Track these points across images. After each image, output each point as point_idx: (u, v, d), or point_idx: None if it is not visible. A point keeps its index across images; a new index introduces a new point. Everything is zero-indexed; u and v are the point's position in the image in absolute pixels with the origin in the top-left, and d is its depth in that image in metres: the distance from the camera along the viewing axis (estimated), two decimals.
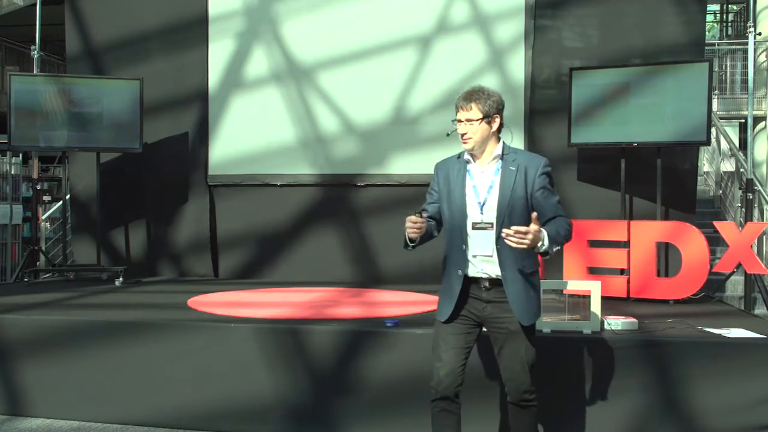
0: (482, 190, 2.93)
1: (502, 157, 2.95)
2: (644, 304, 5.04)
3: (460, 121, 2.93)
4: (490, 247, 2.89)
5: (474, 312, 2.95)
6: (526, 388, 2.96)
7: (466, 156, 2.99)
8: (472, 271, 2.93)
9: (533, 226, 2.69)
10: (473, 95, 2.92)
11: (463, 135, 2.92)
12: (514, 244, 2.69)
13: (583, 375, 3.73)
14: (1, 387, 4.28)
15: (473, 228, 2.91)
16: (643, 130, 5.54)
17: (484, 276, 2.92)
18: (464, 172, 2.98)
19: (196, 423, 4.01)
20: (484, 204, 2.91)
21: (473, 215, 2.92)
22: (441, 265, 3.06)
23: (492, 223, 2.88)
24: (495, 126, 2.93)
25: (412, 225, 2.82)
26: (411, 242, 2.90)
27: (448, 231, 3.00)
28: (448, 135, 3.04)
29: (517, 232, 2.67)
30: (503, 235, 2.70)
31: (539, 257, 2.89)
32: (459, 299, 2.94)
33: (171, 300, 5.09)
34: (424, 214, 2.95)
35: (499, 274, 2.89)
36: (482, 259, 2.91)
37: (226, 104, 6.73)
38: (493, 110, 2.91)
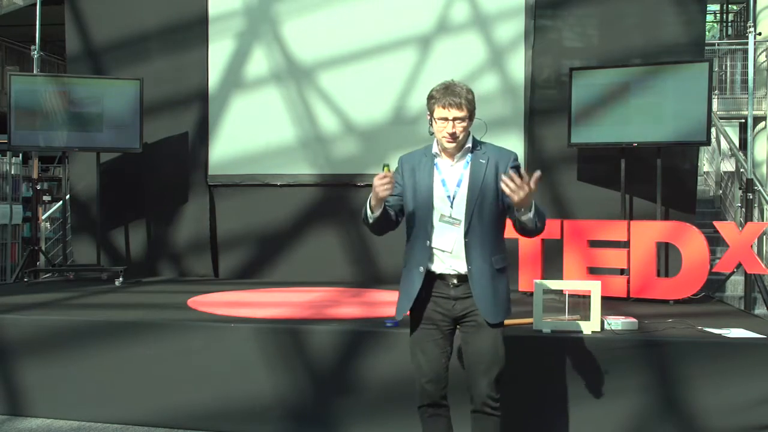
0: (451, 184, 2.82)
1: (471, 150, 2.85)
2: (644, 304, 5.03)
3: (445, 119, 2.76)
4: (454, 243, 2.78)
5: (444, 312, 2.83)
6: (489, 392, 2.77)
7: (435, 149, 2.88)
8: (439, 268, 2.82)
9: (532, 182, 2.56)
10: (458, 91, 2.76)
11: (452, 135, 2.78)
12: (508, 190, 2.58)
13: (583, 375, 3.72)
14: (1, 387, 4.28)
15: (440, 220, 2.79)
16: (643, 130, 5.54)
17: (452, 272, 2.80)
18: (431, 165, 2.86)
19: (196, 423, 4.01)
20: (453, 198, 2.80)
21: (441, 208, 2.81)
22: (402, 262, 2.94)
23: (460, 220, 2.78)
24: (471, 123, 2.85)
25: (381, 182, 2.65)
26: (373, 210, 2.76)
27: (410, 226, 2.88)
28: (431, 134, 2.89)
29: (519, 180, 2.56)
30: (502, 179, 2.60)
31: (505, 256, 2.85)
32: (424, 299, 2.82)
33: (171, 300, 5.09)
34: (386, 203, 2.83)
35: (464, 269, 2.78)
36: (447, 255, 2.79)
37: (226, 104, 6.73)
38: (473, 107, 2.82)
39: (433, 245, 2.81)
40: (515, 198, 2.59)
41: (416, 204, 2.84)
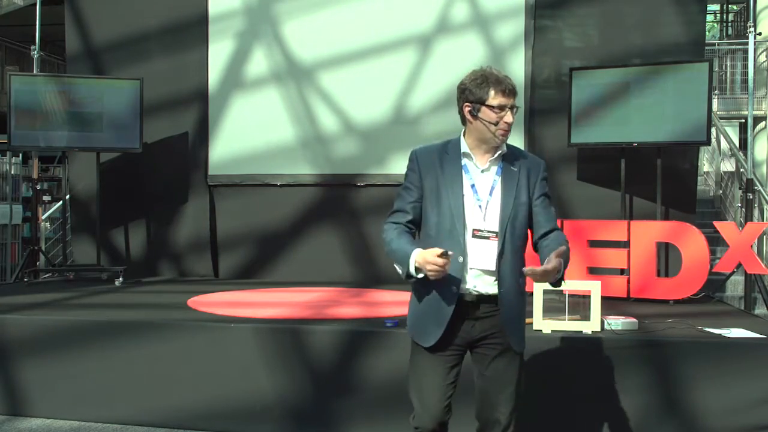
0: (483, 192, 2.45)
1: (503, 156, 2.50)
2: (644, 304, 5.03)
3: (503, 107, 2.40)
4: (492, 260, 2.42)
5: (462, 335, 2.47)
6: (505, 425, 2.47)
7: (465, 147, 2.50)
8: (468, 287, 2.45)
9: (554, 261, 2.29)
10: (508, 78, 2.44)
11: (509, 125, 2.42)
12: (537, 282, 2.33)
13: (583, 375, 3.72)
14: (1, 387, 4.27)
15: (473, 236, 2.42)
16: (643, 130, 5.54)
17: (474, 292, 2.45)
18: (459, 167, 2.47)
19: (196, 423, 4.00)
20: (486, 208, 2.44)
21: (473, 221, 2.43)
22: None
23: (496, 232, 2.41)
24: None
25: (439, 268, 2.28)
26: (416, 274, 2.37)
27: (431, 237, 2.46)
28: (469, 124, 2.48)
29: (542, 274, 2.29)
30: (525, 272, 2.30)
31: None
32: (452, 321, 2.43)
33: (171, 300, 5.09)
34: (402, 218, 2.50)
35: (493, 291, 2.44)
36: (478, 273, 2.44)
37: (226, 104, 6.73)
38: None
39: (468, 263, 2.43)
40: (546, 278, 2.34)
41: (441, 212, 2.45)
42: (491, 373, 2.49)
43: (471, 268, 2.44)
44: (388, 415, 3.79)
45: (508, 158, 2.50)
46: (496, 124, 2.41)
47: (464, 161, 2.50)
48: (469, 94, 2.44)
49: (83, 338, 4.20)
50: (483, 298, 2.46)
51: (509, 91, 2.41)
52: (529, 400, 3.70)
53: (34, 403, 4.22)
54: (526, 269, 2.32)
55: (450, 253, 2.30)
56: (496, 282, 2.44)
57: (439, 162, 2.50)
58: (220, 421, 3.98)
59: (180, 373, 4.05)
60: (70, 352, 4.19)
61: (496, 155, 2.49)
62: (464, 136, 2.53)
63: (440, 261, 2.27)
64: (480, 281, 2.45)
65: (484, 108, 2.42)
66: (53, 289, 5.66)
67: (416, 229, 2.55)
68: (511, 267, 2.45)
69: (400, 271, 2.43)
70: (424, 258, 2.31)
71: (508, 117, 2.42)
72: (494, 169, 2.49)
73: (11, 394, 4.25)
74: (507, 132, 2.44)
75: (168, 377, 4.07)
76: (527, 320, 3.94)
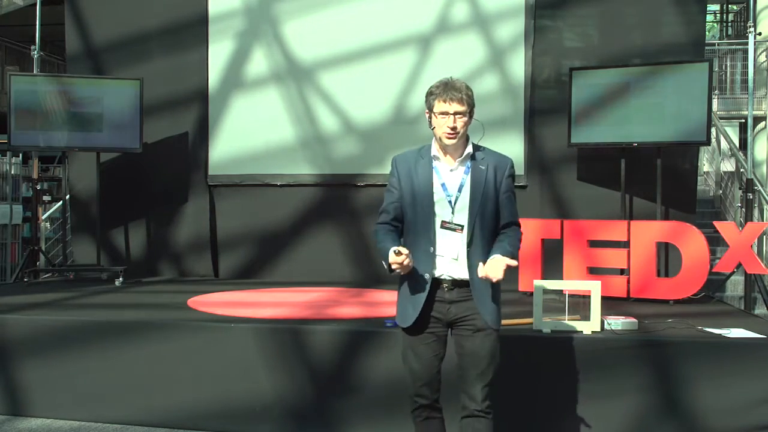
0: (452, 189, 2.78)
1: (471, 156, 2.80)
2: (644, 304, 5.03)
3: (446, 113, 2.71)
4: (458, 249, 2.76)
5: (439, 315, 2.80)
6: (481, 397, 2.73)
7: (434, 152, 2.82)
8: (438, 273, 2.79)
9: (503, 261, 2.64)
10: (459, 86, 2.73)
11: (453, 130, 2.71)
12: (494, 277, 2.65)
13: (583, 375, 3.72)
14: (1, 387, 4.28)
15: (441, 227, 2.76)
16: (643, 130, 5.54)
17: (447, 278, 2.78)
18: (430, 168, 2.80)
19: (196, 423, 4.01)
20: (455, 203, 2.76)
21: (443, 215, 2.77)
22: None
23: (462, 226, 2.75)
24: (471, 121, 2.80)
25: (398, 264, 2.66)
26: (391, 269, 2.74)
27: (410, 232, 2.83)
28: (433, 128, 2.80)
29: (487, 278, 2.66)
30: (480, 275, 2.67)
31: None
32: (425, 303, 2.78)
33: (171, 300, 5.09)
34: (386, 218, 2.87)
35: (465, 276, 2.76)
36: (448, 261, 2.77)
37: (226, 104, 6.73)
38: (473, 104, 2.77)
39: (437, 252, 2.77)
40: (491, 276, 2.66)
41: (415, 209, 2.80)
42: (467, 350, 2.78)
43: (441, 256, 2.78)
44: (388, 415, 3.79)
45: (477, 158, 2.82)
46: (440, 128, 2.74)
47: (434, 163, 2.82)
48: (426, 104, 2.81)
49: (83, 338, 4.20)
50: (456, 283, 2.79)
51: (450, 99, 2.72)
52: (529, 399, 3.73)
53: (34, 403, 4.22)
54: (480, 274, 2.68)
55: (399, 249, 2.66)
56: (467, 269, 2.76)
57: (414, 165, 2.84)
58: (220, 421, 3.99)
59: (180, 373, 4.06)
60: (70, 352, 4.19)
61: (463, 156, 2.80)
62: (434, 141, 2.86)
63: (397, 259, 2.65)
64: (452, 267, 2.78)
65: (432, 115, 2.78)
66: (53, 289, 5.66)
67: (401, 226, 2.89)
68: (481, 255, 2.76)
69: (385, 266, 2.77)
70: (390, 257, 2.68)
71: (450, 122, 2.72)
72: (462, 168, 2.81)
73: (11, 394, 4.25)
74: (451, 135, 2.73)
75: (168, 377, 4.07)
76: (527, 320, 3.97)
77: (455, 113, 2.71)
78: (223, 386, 4.00)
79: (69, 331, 4.24)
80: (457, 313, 2.78)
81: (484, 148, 2.87)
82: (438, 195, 2.78)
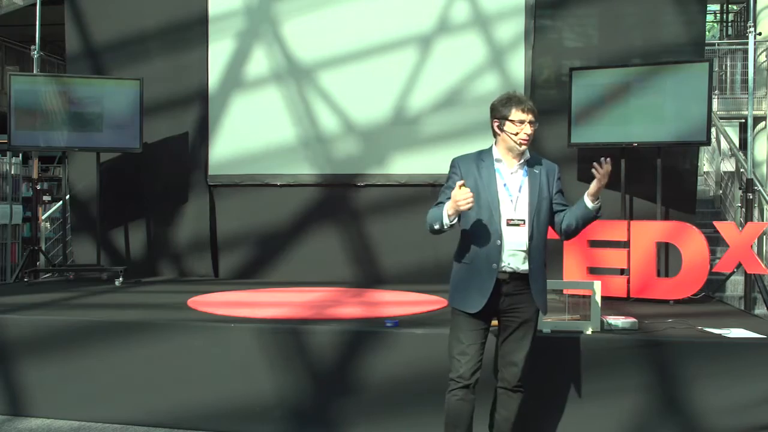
0: (513, 189, 3.08)
1: (527, 161, 3.12)
2: (644, 304, 5.03)
3: (522, 121, 3.03)
4: (524, 242, 3.03)
5: (493, 306, 3.05)
6: (523, 375, 3.14)
7: (497, 155, 3.12)
8: (504, 265, 3.04)
9: (607, 167, 3.04)
10: (528, 99, 3.10)
11: (528, 136, 3.05)
12: (598, 176, 3.04)
13: (583, 375, 3.72)
14: (1, 387, 4.28)
15: (507, 224, 3.03)
16: (643, 130, 5.54)
17: (509, 270, 3.04)
18: (493, 170, 3.10)
19: (196, 423, 4.01)
20: (516, 202, 3.06)
21: (506, 212, 3.04)
22: (454, 259, 3.17)
23: (524, 220, 3.04)
24: None
25: (465, 197, 2.88)
26: (451, 220, 2.97)
27: (474, 227, 3.07)
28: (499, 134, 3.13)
29: (606, 170, 3.05)
30: (602, 161, 3.06)
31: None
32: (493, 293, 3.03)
33: (171, 300, 5.09)
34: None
35: (524, 268, 3.04)
36: (512, 253, 3.03)
37: (226, 104, 6.73)
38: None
39: (504, 245, 3.02)
40: (602, 183, 3.08)
41: (481, 207, 3.04)
42: (513, 339, 3.12)
43: (507, 249, 3.03)
44: (388, 415, 3.79)
45: (531, 163, 3.14)
46: (517, 134, 3.05)
47: (497, 166, 3.12)
48: (497, 112, 3.10)
49: (83, 338, 4.20)
50: (514, 276, 3.05)
51: (528, 109, 3.05)
52: (529, 399, 3.72)
53: (34, 403, 4.22)
54: (602, 160, 3.09)
55: (462, 181, 2.91)
56: (526, 260, 3.04)
57: (476, 167, 3.13)
58: (220, 421, 3.99)
59: (180, 373, 4.06)
60: (70, 352, 4.19)
61: (522, 160, 3.12)
62: (495, 146, 3.16)
63: (462, 191, 2.89)
64: (513, 259, 3.05)
65: (507, 122, 3.06)
66: (53, 289, 5.66)
67: None
68: (537, 248, 3.06)
69: (437, 227, 3.02)
70: (452, 200, 2.92)
71: (527, 129, 3.05)
72: (521, 171, 3.13)
73: (11, 394, 4.25)
74: (526, 141, 3.06)
75: (168, 377, 4.07)
76: None
77: (530, 122, 3.04)
78: (223, 386, 4.00)
79: (69, 331, 4.24)
80: (510, 303, 3.07)
81: (534, 153, 3.19)
82: (502, 194, 3.07)
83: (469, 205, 2.90)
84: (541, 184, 3.11)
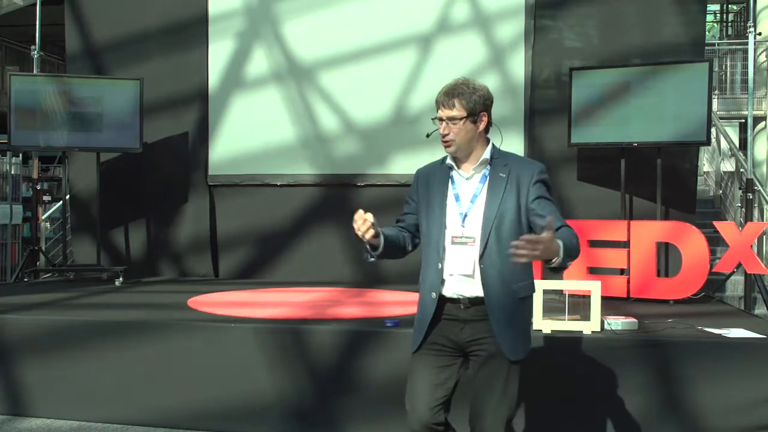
0: (465, 200, 2.52)
1: (490, 162, 2.54)
2: (644, 304, 5.03)
3: (440, 119, 2.50)
4: (470, 266, 2.47)
5: (451, 337, 2.50)
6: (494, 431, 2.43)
7: (449, 161, 2.58)
8: (448, 292, 2.51)
9: (546, 234, 2.23)
10: (456, 89, 2.50)
11: (444, 137, 2.50)
12: (523, 258, 2.23)
13: (583, 375, 3.72)
14: (1, 387, 4.27)
15: (452, 243, 2.49)
16: (643, 130, 5.54)
17: (463, 296, 2.49)
18: (447, 179, 2.57)
19: (196, 423, 4.00)
20: (466, 216, 2.50)
21: (453, 228, 2.50)
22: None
23: (473, 238, 2.47)
24: (482, 126, 2.53)
25: (357, 225, 2.38)
26: (372, 249, 2.48)
27: (425, 247, 2.59)
28: (427, 136, 2.61)
29: (528, 241, 2.20)
30: (513, 246, 2.21)
31: (533, 280, 2.58)
32: (433, 323, 2.51)
33: (171, 300, 5.09)
34: (400, 225, 2.66)
35: (480, 293, 2.46)
36: (460, 279, 2.49)
37: (226, 104, 6.73)
38: (480, 107, 2.51)
39: (446, 269, 2.50)
40: (533, 258, 2.27)
41: (428, 223, 2.56)
42: (478, 380, 2.49)
43: (450, 274, 2.50)
44: (388, 415, 3.79)
45: (497, 165, 2.55)
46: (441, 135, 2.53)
47: (452, 173, 2.59)
48: None
49: (83, 338, 4.20)
50: (474, 301, 2.49)
51: (441, 103, 2.52)
52: (529, 400, 3.73)
53: (34, 403, 4.22)
54: (513, 242, 2.23)
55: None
56: (479, 286, 2.47)
57: (433, 177, 2.62)
58: (220, 421, 3.98)
59: (180, 373, 4.05)
60: (70, 352, 4.19)
61: (478, 163, 2.55)
62: None
63: (358, 215, 2.39)
64: (464, 286, 2.49)
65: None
66: (53, 289, 5.66)
67: (412, 233, 2.67)
68: (499, 274, 2.46)
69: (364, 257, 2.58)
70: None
71: (441, 129, 2.52)
72: (478, 177, 2.56)
73: (11, 394, 4.25)
74: (445, 142, 2.52)
75: (168, 377, 4.07)
76: None
77: (448, 119, 2.50)
78: (223, 386, 4.00)
79: (69, 331, 4.24)
80: (472, 334, 2.49)
81: (510, 153, 2.61)
82: (450, 207, 2.53)
83: (362, 233, 2.38)
84: (506, 191, 2.48)
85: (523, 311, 2.54)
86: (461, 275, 2.49)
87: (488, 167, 2.55)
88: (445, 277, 2.51)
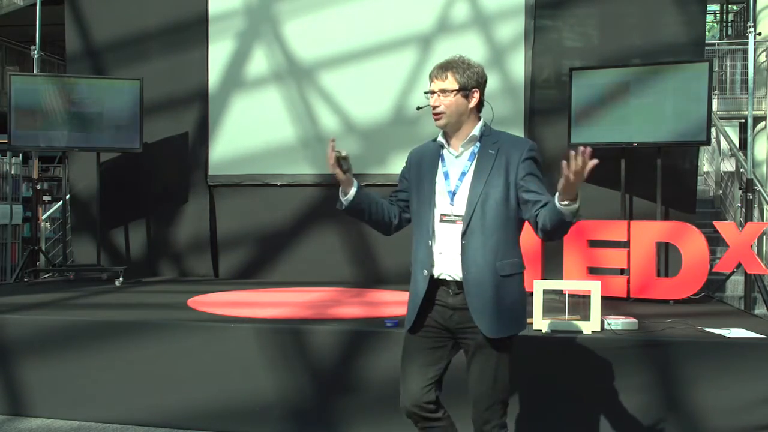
0: (454, 178, 2.53)
1: (480, 139, 2.54)
2: (644, 304, 5.03)
3: (432, 92, 2.52)
4: (459, 244, 2.47)
5: (440, 321, 2.53)
6: (490, 417, 2.49)
7: (440, 138, 2.59)
8: (438, 271, 2.52)
9: (583, 159, 2.26)
10: (451, 63, 2.54)
11: (434, 108, 2.50)
12: (566, 170, 2.24)
13: (583, 375, 3.72)
14: (1, 387, 4.27)
15: (441, 221, 2.50)
16: (643, 130, 5.54)
17: (449, 278, 2.50)
18: (437, 157, 2.58)
19: (196, 423, 4.00)
20: (455, 194, 2.51)
21: (442, 206, 2.51)
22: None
23: (461, 216, 2.47)
24: (473, 102, 2.53)
25: (329, 155, 2.49)
26: (343, 195, 2.58)
27: (415, 225, 2.61)
28: (418, 109, 2.65)
29: (582, 153, 2.24)
30: (579, 150, 2.23)
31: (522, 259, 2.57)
32: (425, 305, 2.53)
33: (171, 300, 5.09)
34: (391, 199, 2.73)
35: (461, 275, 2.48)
36: (449, 258, 2.49)
37: (226, 104, 6.73)
38: (473, 82, 2.52)
39: (435, 247, 2.51)
40: (572, 180, 2.26)
41: (419, 200, 2.58)
42: (470, 369, 2.54)
43: (440, 253, 2.52)
44: (388, 415, 3.78)
45: (487, 142, 2.55)
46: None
47: (442, 151, 2.60)
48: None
49: (83, 338, 4.20)
50: (461, 286, 2.49)
51: (433, 75, 2.54)
52: (529, 399, 3.73)
53: (34, 403, 4.22)
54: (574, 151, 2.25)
55: (331, 139, 2.55)
56: (461, 266, 2.48)
57: (425, 156, 2.63)
58: (220, 421, 3.98)
59: (180, 373, 4.05)
60: (70, 352, 4.19)
61: (467, 139, 2.55)
62: None
63: (329, 151, 2.50)
64: (450, 265, 2.50)
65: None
66: (53, 289, 5.66)
67: (400, 208, 2.73)
68: (482, 252, 2.46)
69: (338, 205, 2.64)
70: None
71: (432, 100, 2.53)
72: (467, 154, 2.56)
73: (11, 394, 4.25)
74: (435, 115, 2.53)
75: (168, 377, 4.07)
76: (527, 320, 3.97)
77: (440, 91, 2.51)
78: (223, 386, 4.00)
79: (69, 331, 4.24)
80: (460, 321, 2.50)
81: (502, 132, 2.60)
82: (439, 184, 2.54)
83: (331, 166, 2.51)
84: (494, 167, 2.47)
85: (509, 289, 2.50)
86: (452, 254, 2.50)
87: (477, 144, 2.55)
88: (435, 255, 2.52)
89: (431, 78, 2.55)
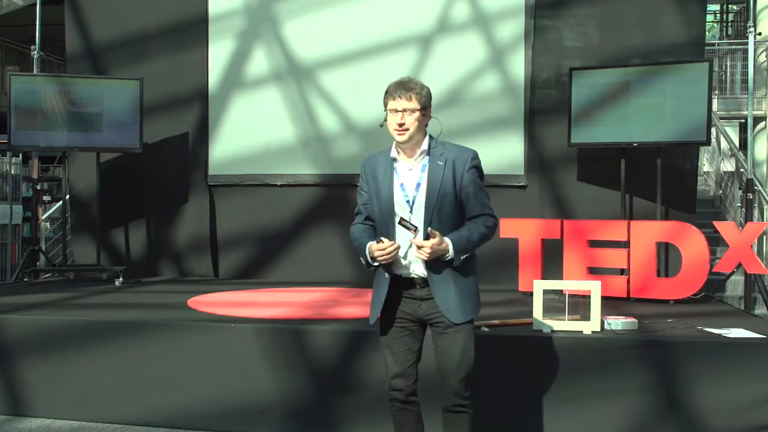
0: (410, 189, 2.82)
1: (428, 152, 2.84)
2: (644, 304, 5.03)
3: (395, 110, 2.80)
4: (413, 249, 2.77)
5: (410, 312, 2.87)
6: (457, 390, 2.81)
7: (393, 153, 2.88)
8: (403, 272, 2.84)
9: (432, 240, 2.67)
10: (409, 84, 2.82)
11: (400, 126, 2.78)
12: (424, 256, 2.69)
13: (583, 375, 3.72)
14: (1, 387, 4.28)
15: (399, 224, 2.79)
16: (643, 130, 5.54)
17: (415, 276, 2.83)
18: (391, 170, 2.86)
19: (196, 423, 4.01)
20: (413, 203, 2.80)
21: (401, 214, 2.81)
22: None
23: (417, 227, 2.77)
24: (427, 119, 2.85)
25: (382, 255, 2.74)
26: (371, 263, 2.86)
27: (380, 232, 2.89)
28: (381, 126, 2.92)
29: (419, 248, 2.68)
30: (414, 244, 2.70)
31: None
32: (392, 301, 2.85)
33: (171, 300, 5.09)
34: (360, 218, 3.00)
35: (425, 273, 2.81)
36: (415, 258, 2.79)
37: (226, 104, 6.73)
38: (427, 102, 2.83)
39: (399, 251, 2.80)
40: (427, 257, 2.70)
41: (380, 211, 2.87)
42: (440, 348, 2.85)
43: (403, 257, 2.83)
44: (388, 415, 3.77)
45: (435, 154, 2.84)
46: (392, 125, 2.80)
47: (395, 164, 2.88)
48: (383, 103, 2.88)
49: (83, 338, 4.20)
50: (424, 279, 2.82)
51: (399, 96, 2.80)
52: (529, 400, 3.73)
53: (34, 403, 4.22)
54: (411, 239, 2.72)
55: (383, 239, 2.77)
56: (424, 265, 2.79)
57: (377, 167, 2.91)
58: (220, 421, 3.98)
59: (180, 373, 4.06)
60: (70, 352, 4.19)
61: (418, 153, 2.84)
62: (394, 142, 2.89)
63: (381, 246, 2.74)
64: (416, 266, 2.82)
65: (387, 113, 2.85)
66: (53, 289, 5.66)
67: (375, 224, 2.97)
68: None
69: (363, 263, 2.90)
70: (370, 249, 2.80)
71: (398, 118, 2.78)
72: (419, 166, 2.84)
73: (11, 394, 4.25)
74: (399, 131, 2.79)
75: (168, 377, 4.07)
76: (527, 320, 3.97)
77: (404, 110, 2.77)
78: (223, 386, 4.00)
79: (69, 331, 4.24)
80: (427, 310, 2.84)
81: (446, 143, 2.89)
82: (397, 196, 2.83)
83: (386, 260, 2.75)
84: (444, 177, 2.78)
85: (466, 279, 2.83)
86: (412, 257, 2.80)
87: (427, 157, 2.84)
88: (398, 258, 2.81)
89: (393, 97, 2.82)
